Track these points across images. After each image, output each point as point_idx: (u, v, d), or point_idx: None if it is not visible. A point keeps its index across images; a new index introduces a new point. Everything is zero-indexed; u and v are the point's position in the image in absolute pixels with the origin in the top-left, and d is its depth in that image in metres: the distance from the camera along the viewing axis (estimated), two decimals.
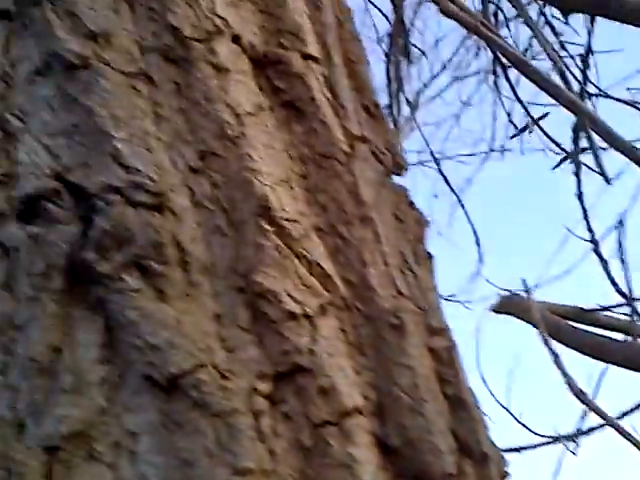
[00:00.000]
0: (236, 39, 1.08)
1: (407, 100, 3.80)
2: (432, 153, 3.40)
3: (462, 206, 2.91)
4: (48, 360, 0.83)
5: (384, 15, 3.28)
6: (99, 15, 1.02)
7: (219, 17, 1.07)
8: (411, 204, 1.27)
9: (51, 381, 0.82)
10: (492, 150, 4.37)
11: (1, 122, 0.95)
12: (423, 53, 3.75)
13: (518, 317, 2.68)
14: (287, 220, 0.96)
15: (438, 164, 3.36)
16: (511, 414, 2.57)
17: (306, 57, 1.16)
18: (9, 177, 0.92)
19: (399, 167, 1.30)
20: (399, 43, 3.38)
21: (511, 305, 2.73)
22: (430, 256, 1.25)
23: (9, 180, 0.92)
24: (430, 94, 4.61)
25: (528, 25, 2.46)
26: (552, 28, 3.48)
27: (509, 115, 3.38)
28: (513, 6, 2.64)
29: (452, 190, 3.02)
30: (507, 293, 2.85)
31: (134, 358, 0.84)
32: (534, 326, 2.30)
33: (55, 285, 0.85)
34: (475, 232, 2.84)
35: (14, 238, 0.88)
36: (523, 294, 2.58)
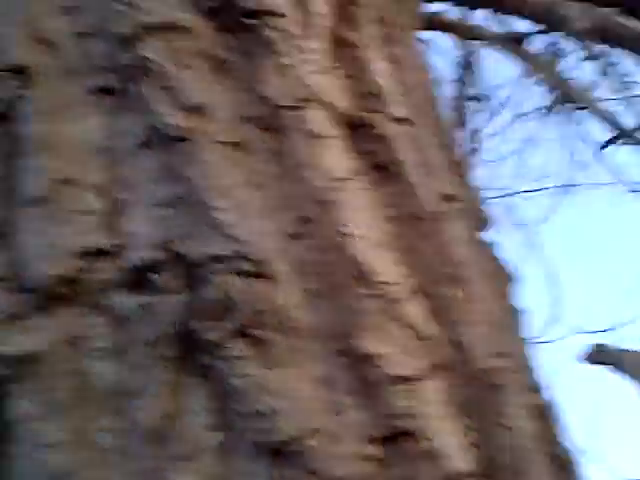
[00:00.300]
0: (326, 105, 1.11)
1: (470, 138, 3.81)
2: (501, 191, 3.38)
3: (537, 246, 2.88)
4: (162, 427, 0.85)
5: (451, 63, 3.32)
6: (194, 88, 1.06)
7: (309, 85, 1.10)
8: (498, 259, 1.28)
9: (165, 448, 0.84)
10: (561, 186, 4.33)
11: (107, 194, 0.99)
12: (487, 97, 3.76)
13: (612, 369, 2.62)
14: (385, 283, 0.98)
15: (506, 202, 3.34)
16: (594, 462, 2.50)
17: (392, 119, 1.18)
18: (117, 247, 0.95)
19: (484, 222, 1.31)
20: (463, 87, 3.40)
21: (604, 356, 2.68)
22: (520, 310, 1.25)
23: (117, 250, 0.95)
24: (491, 131, 4.60)
25: (604, 73, 2.46)
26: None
27: (572, 154, 3.35)
28: (582, 47, 2.63)
29: (526, 230, 3.00)
30: (599, 342, 2.80)
31: (243, 425, 0.85)
32: (631, 379, 2.25)
33: (167, 353, 0.88)
34: (552, 272, 2.80)
35: (124, 307, 0.91)
36: (614, 344, 2.54)
